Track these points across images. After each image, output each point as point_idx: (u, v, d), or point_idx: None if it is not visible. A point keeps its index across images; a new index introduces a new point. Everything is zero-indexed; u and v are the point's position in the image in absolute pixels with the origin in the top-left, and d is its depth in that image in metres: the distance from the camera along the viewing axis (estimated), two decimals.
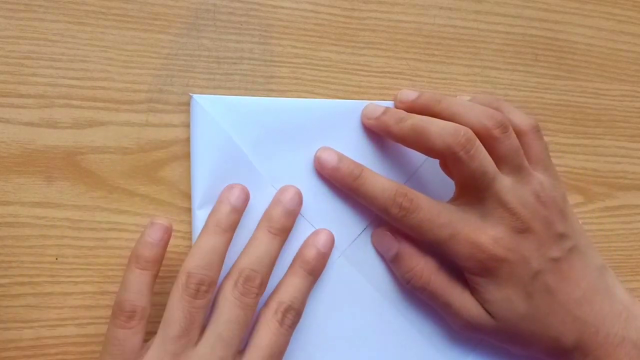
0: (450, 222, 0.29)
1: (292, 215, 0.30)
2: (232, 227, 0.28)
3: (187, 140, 0.31)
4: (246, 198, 0.29)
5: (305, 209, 0.31)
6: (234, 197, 0.28)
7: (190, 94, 0.30)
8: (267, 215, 0.29)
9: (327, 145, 0.32)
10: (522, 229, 0.28)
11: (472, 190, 0.29)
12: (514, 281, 0.28)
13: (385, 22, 0.35)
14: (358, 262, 0.32)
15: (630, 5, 0.40)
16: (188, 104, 0.31)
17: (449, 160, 0.29)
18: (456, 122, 0.29)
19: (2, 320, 0.28)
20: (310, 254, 0.30)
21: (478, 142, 0.28)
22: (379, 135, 0.32)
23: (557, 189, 0.30)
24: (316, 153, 0.31)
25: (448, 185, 0.32)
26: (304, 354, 0.31)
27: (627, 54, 0.40)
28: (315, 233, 0.31)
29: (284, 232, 0.29)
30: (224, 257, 0.27)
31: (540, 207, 0.29)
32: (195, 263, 0.26)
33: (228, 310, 0.26)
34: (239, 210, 0.28)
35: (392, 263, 0.32)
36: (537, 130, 0.31)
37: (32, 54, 0.29)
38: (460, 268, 0.29)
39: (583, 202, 0.38)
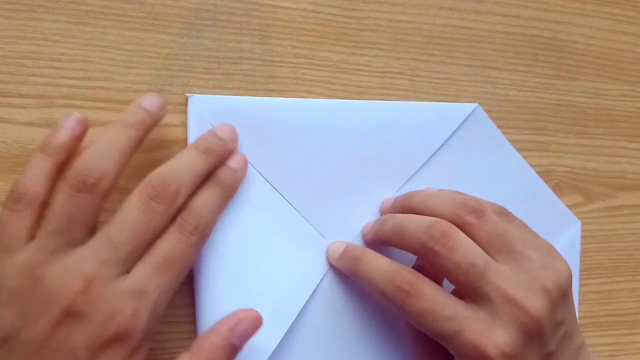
0: (456, 317, 0.26)
1: (222, 142, 0.28)
2: (140, 126, 0.26)
3: (187, 141, 0.31)
4: (162, 107, 0.27)
5: (306, 209, 0.31)
6: (147, 101, 0.27)
7: (187, 94, 0.30)
8: (200, 139, 0.28)
9: (327, 145, 0.32)
10: (533, 330, 0.26)
11: (467, 286, 0.26)
12: None
13: (385, 22, 0.35)
14: None
15: (630, 5, 0.40)
16: (187, 104, 0.31)
17: (429, 258, 0.27)
18: (432, 216, 0.27)
19: None
20: (221, 170, 0.28)
21: (457, 232, 0.26)
22: (379, 136, 0.32)
23: (561, 271, 0.27)
24: (327, 247, 0.31)
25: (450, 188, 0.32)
26: (303, 354, 0.31)
27: (627, 54, 0.40)
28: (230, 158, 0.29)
29: (211, 154, 0.27)
30: (124, 153, 0.25)
31: (546, 299, 0.26)
32: (87, 154, 0.24)
33: (127, 212, 0.24)
34: (152, 114, 0.27)
35: None
36: (504, 213, 0.29)
37: (32, 54, 0.29)
38: None
39: (583, 202, 0.38)
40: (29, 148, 0.29)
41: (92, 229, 0.25)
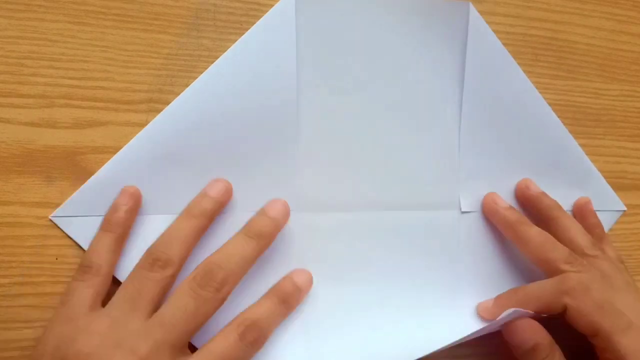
0: None
1: (274, 224, 0.29)
2: (204, 214, 0.28)
3: None
4: (227, 192, 0.30)
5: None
6: (214, 189, 0.29)
7: None
8: (250, 221, 0.30)
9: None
10: None
11: None
12: None
13: None
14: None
15: (630, 5, 0.40)
16: None
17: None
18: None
19: (2, 320, 0.28)
20: (286, 285, 0.30)
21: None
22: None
23: None
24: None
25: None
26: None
27: (627, 54, 0.40)
28: (294, 271, 0.31)
29: (262, 238, 0.29)
30: (189, 241, 0.28)
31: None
32: (157, 243, 0.27)
33: (179, 297, 0.26)
34: (217, 201, 0.29)
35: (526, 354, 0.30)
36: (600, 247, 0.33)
37: (32, 54, 0.29)
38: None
39: None
40: (29, 148, 0.29)
41: (156, 306, 0.26)
